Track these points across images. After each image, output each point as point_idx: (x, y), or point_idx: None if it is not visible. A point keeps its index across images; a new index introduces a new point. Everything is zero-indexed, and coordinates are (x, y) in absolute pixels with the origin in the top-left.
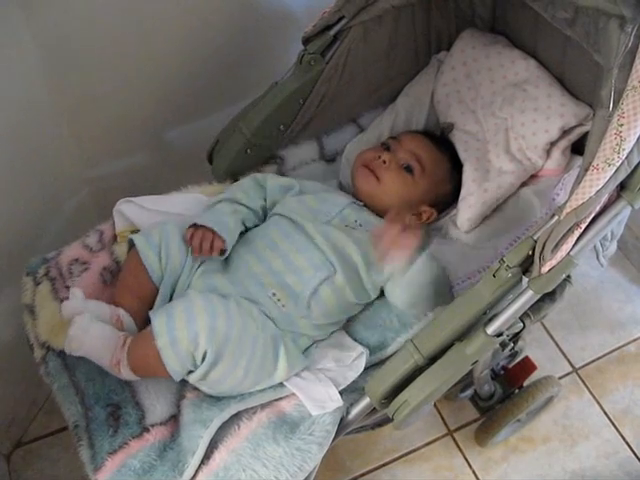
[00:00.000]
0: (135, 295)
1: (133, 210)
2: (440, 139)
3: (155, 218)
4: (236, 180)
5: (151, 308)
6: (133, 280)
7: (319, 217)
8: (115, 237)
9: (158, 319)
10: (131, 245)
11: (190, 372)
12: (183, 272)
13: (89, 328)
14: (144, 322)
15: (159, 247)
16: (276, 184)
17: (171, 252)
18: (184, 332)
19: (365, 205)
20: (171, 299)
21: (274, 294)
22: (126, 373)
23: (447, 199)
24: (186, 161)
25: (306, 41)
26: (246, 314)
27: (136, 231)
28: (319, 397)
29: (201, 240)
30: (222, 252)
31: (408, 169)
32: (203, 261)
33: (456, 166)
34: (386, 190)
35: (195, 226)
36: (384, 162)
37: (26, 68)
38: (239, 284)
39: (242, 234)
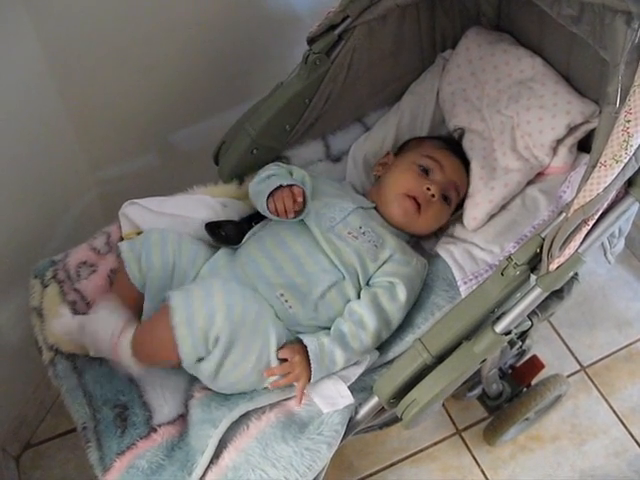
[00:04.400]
0: (124, 303)
1: (138, 212)
2: (462, 152)
3: (161, 220)
4: (242, 181)
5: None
6: (119, 289)
7: (323, 222)
8: (122, 239)
9: (176, 296)
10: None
11: (200, 360)
12: (186, 273)
13: (84, 323)
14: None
15: (139, 254)
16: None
17: (153, 257)
18: (201, 309)
19: (374, 208)
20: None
21: (282, 295)
22: (125, 356)
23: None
24: (192, 162)
25: (311, 41)
26: (263, 300)
27: (141, 233)
28: (329, 394)
29: (283, 201)
30: (298, 213)
31: (446, 199)
32: (207, 258)
33: (467, 168)
34: (425, 223)
35: (270, 195)
36: (432, 196)
37: (32, 72)
38: (247, 282)
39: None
